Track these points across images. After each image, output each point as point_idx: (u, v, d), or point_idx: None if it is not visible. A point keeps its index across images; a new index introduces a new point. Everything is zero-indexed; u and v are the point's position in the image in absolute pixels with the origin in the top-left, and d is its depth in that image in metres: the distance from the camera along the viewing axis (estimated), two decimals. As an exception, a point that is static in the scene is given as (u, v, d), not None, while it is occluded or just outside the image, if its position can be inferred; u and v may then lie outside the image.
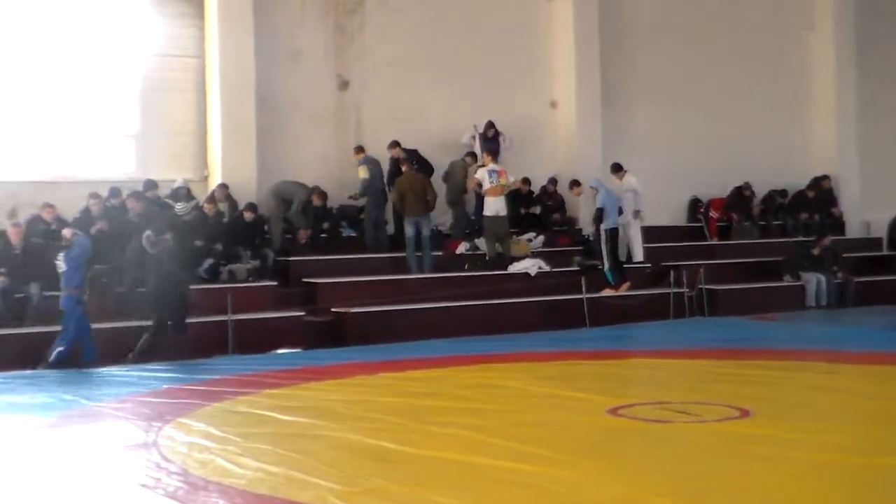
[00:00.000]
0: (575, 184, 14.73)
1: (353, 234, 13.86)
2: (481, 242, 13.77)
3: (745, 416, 6.56)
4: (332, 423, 6.68)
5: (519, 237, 14.36)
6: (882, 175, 17.15)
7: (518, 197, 14.75)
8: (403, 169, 13.22)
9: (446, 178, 13.85)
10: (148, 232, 10.33)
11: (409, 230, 13.08)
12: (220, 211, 12.71)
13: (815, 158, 17.15)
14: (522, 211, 14.84)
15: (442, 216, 14.19)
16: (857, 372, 8.49)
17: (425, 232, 13.14)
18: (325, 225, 13.49)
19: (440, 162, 14.11)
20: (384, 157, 13.80)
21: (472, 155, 14.28)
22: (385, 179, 13.66)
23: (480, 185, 13.36)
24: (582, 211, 14.93)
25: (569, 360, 9.79)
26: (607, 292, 13.40)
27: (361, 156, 13.47)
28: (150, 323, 10.18)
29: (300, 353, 10.92)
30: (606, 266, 13.49)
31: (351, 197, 13.58)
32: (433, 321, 11.92)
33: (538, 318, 12.48)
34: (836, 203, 17.06)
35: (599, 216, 13.46)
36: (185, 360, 10.05)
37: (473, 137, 14.53)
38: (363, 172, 13.31)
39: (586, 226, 14.63)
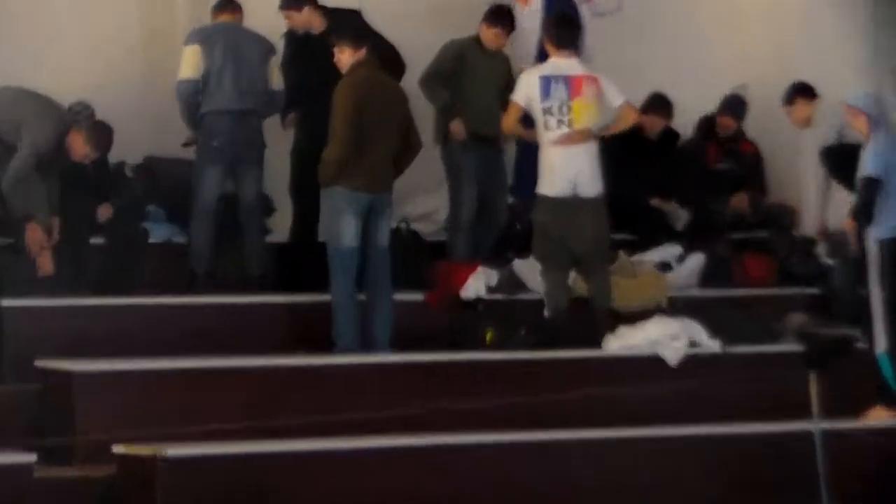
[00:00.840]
0: (800, 94, 15.28)
1: (179, 242, 14.53)
2: (531, 267, 13.88)
3: None
4: None
5: (636, 257, 14.76)
6: None
7: (635, 148, 15.08)
8: (343, 61, 13.47)
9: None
10: None
11: (346, 228, 13.20)
12: None
13: None
14: (649, 198, 15.78)
15: (417, 197, 15.47)
16: None
17: (382, 238, 13.36)
18: (105, 212, 14.08)
19: (419, 51, 14.81)
20: (275, 34, 14.80)
21: (501, 20, 14.94)
22: (278, 94, 14.58)
23: (526, 121, 14.12)
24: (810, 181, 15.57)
25: None
26: (881, 417, 13.32)
27: (220, 21, 14.54)
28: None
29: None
30: (882, 347, 13.15)
31: (185, 143, 14.78)
32: (397, 486, 11.63)
33: (692, 480, 12.43)
34: None
35: (869, 202, 13.22)
36: None
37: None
38: (190, 64, 14.10)
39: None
